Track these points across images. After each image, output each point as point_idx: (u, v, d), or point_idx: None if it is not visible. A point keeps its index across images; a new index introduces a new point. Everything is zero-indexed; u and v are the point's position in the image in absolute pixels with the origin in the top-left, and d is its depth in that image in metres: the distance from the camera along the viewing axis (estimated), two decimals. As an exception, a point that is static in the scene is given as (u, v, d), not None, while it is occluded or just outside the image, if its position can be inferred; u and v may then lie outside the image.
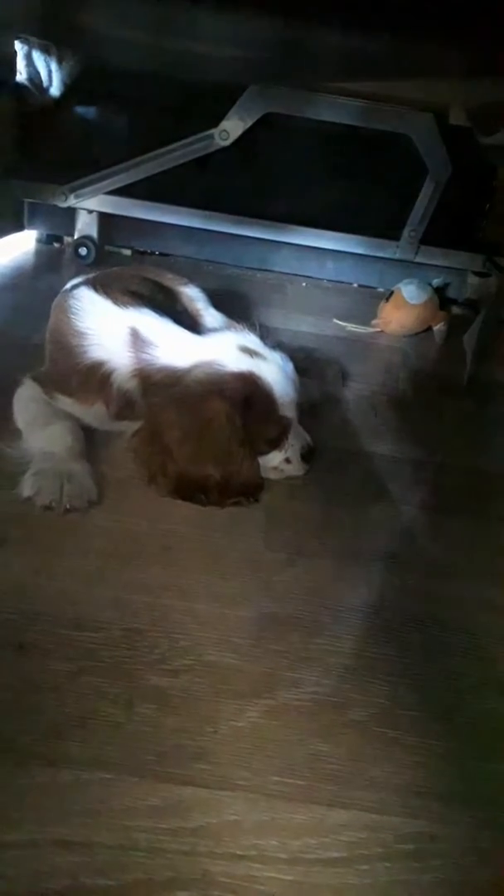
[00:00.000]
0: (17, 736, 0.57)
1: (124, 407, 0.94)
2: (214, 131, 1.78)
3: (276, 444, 0.96)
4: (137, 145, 1.81)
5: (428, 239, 1.89)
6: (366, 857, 0.53)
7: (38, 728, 0.58)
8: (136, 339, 0.93)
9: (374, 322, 1.75)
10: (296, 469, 0.99)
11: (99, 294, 0.97)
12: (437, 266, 1.93)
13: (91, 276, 1.12)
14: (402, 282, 1.77)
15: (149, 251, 2.06)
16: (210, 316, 1.29)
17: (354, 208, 1.92)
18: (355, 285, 2.09)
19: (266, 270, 2.06)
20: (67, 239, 1.98)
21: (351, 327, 1.74)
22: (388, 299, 1.75)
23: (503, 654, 0.76)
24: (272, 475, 0.98)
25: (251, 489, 0.93)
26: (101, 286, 0.99)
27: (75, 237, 1.90)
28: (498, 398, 1.44)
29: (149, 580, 0.76)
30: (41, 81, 1.76)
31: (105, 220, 1.90)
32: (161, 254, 2.05)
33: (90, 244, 1.86)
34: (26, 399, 0.97)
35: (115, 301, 0.96)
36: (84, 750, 0.57)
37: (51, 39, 1.70)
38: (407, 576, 0.85)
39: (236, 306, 1.52)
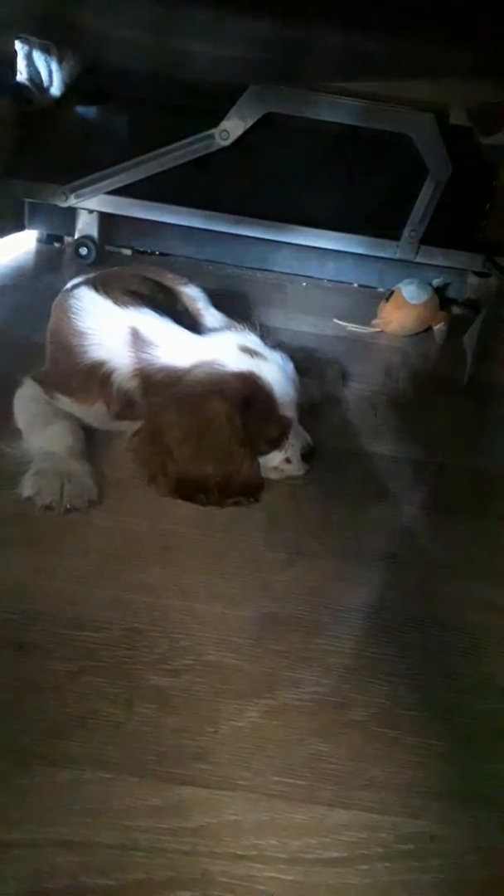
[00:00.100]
0: (17, 736, 0.57)
1: (125, 407, 0.94)
2: (215, 131, 1.78)
3: (276, 444, 0.96)
4: (138, 145, 1.81)
5: (428, 239, 1.89)
6: (366, 856, 0.53)
7: (39, 728, 0.58)
8: (137, 339, 0.93)
9: (374, 322, 1.75)
10: (296, 469, 0.99)
11: (99, 294, 0.97)
12: (437, 266, 1.93)
13: (91, 275, 1.12)
14: (402, 282, 1.76)
15: (149, 251, 2.06)
16: (210, 316, 1.29)
17: (355, 208, 1.92)
18: (355, 285, 2.09)
19: (266, 270, 2.06)
20: (68, 239, 1.98)
21: (351, 327, 1.74)
22: (388, 299, 1.75)
23: (503, 654, 0.76)
24: (272, 475, 0.98)
25: (251, 489, 0.93)
26: (102, 286, 0.99)
27: (76, 237, 1.90)
28: (498, 398, 1.44)
29: (149, 580, 0.76)
30: (42, 81, 1.76)
31: (105, 219, 1.90)
32: (161, 253, 2.05)
33: (90, 244, 1.86)
34: (27, 399, 0.97)
35: (116, 301, 0.96)
36: (84, 750, 0.57)
37: (51, 39, 1.70)
38: (407, 576, 0.85)
39: (236, 306, 1.52)
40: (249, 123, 1.77)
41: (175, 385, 0.90)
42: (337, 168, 1.92)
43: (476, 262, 1.91)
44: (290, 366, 0.96)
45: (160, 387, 0.91)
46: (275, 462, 0.98)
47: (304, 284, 2.06)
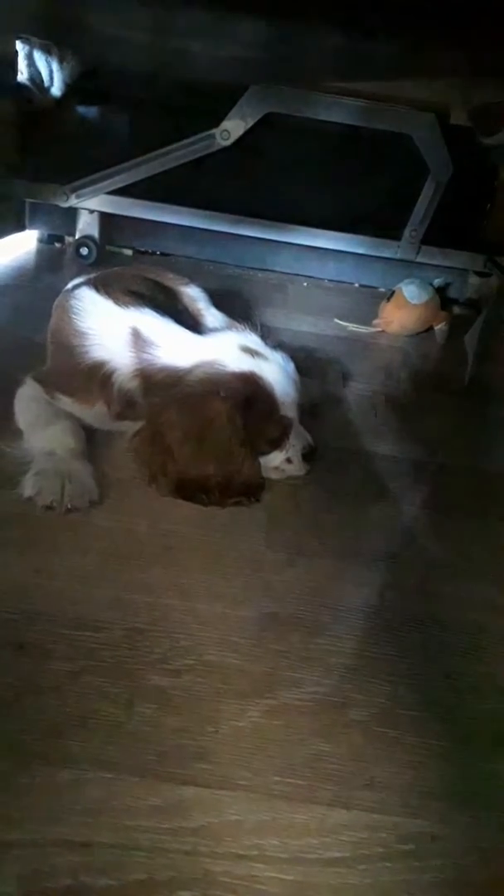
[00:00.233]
0: (17, 736, 0.57)
1: (125, 407, 0.94)
2: (215, 131, 1.78)
3: (277, 444, 0.97)
4: (139, 145, 1.81)
5: (429, 239, 1.89)
6: (366, 856, 0.53)
7: (39, 728, 0.58)
8: (138, 339, 0.93)
9: (375, 322, 1.75)
10: (297, 469, 0.99)
11: (100, 294, 0.97)
12: (438, 266, 1.93)
13: (92, 275, 1.12)
14: (403, 282, 1.77)
15: (150, 251, 2.06)
16: (211, 316, 1.29)
17: (356, 208, 1.92)
18: (356, 285, 2.09)
19: (267, 270, 2.06)
20: (69, 239, 1.98)
21: (352, 327, 1.74)
22: (389, 299, 1.75)
23: (503, 654, 0.76)
24: (273, 475, 0.98)
25: (252, 489, 0.93)
26: (103, 286, 0.99)
27: (76, 237, 1.90)
28: (499, 398, 1.44)
29: (150, 580, 0.76)
30: (42, 81, 1.76)
31: (106, 219, 1.90)
32: (162, 254, 2.05)
33: (91, 244, 1.87)
34: (27, 399, 0.97)
35: (117, 301, 0.96)
36: (85, 750, 0.57)
37: (52, 39, 1.71)
38: (407, 576, 0.85)
39: (237, 306, 1.52)
40: (250, 123, 1.77)
41: (176, 385, 0.90)
42: (338, 168, 1.92)
43: (477, 262, 1.91)
44: (291, 366, 0.96)
45: (161, 387, 0.91)
46: (276, 462, 0.98)
47: (305, 284, 2.06)
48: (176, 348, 0.93)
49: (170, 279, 1.29)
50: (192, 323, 1.14)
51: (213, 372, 0.90)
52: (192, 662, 0.67)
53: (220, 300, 1.37)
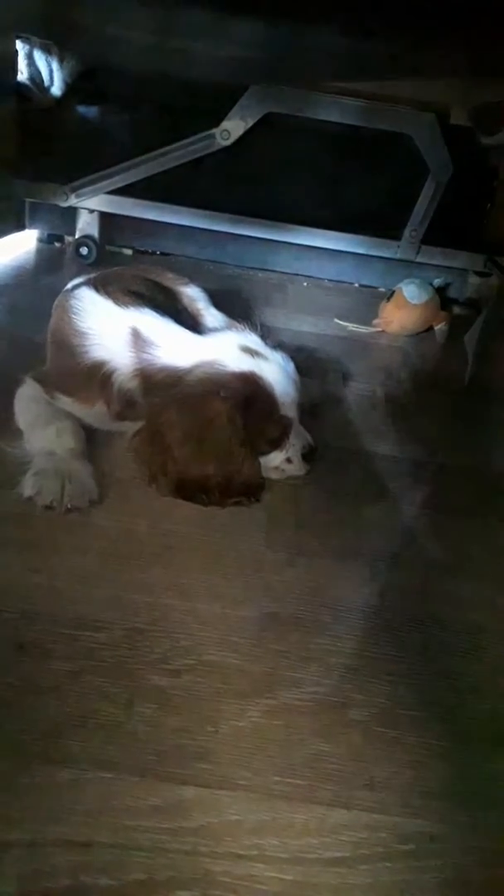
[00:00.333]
0: (17, 736, 0.57)
1: (125, 407, 0.94)
2: (216, 131, 1.78)
3: (277, 443, 0.97)
4: (139, 145, 1.81)
5: (429, 239, 1.89)
6: (366, 856, 0.53)
7: (39, 728, 0.58)
8: (138, 339, 0.93)
9: (375, 322, 1.75)
10: (297, 469, 0.99)
11: (100, 294, 0.97)
12: (438, 266, 1.93)
13: (92, 275, 1.12)
14: (403, 282, 1.77)
15: (150, 251, 2.06)
16: (211, 316, 1.29)
17: (355, 208, 1.92)
18: (356, 285, 2.09)
19: (267, 270, 2.06)
20: (68, 238, 1.98)
21: (352, 327, 1.74)
22: (389, 299, 1.75)
23: (503, 653, 0.76)
24: (273, 475, 0.98)
25: (252, 489, 0.93)
26: (102, 286, 0.99)
27: (76, 237, 1.90)
28: (499, 398, 1.44)
29: (150, 580, 0.76)
30: (42, 81, 1.76)
31: (106, 219, 1.90)
32: (162, 253, 2.05)
33: (91, 244, 1.87)
34: (27, 399, 0.97)
35: (117, 301, 0.96)
36: (85, 749, 0.57)
37: (52, 39, 1.70)
38: (407, 576, 0.85)
39: (237, 306, 1.52)
40: (250, 123, 1.77)
41: (176, 385, 0.90)
42: (338, 168, 1.93)
43: (477, 262, 1.91)
44: (291, 366, 0.96)
45: (161, 387, 0.91)
46: (276, 462, 0.98)
47: (305, 284, 2.06)
48: (176, 348, 0.93)
49: (170, 279, 1.29)
50: (191, 323, 1.14)
51: (213, 372, 0.90)
52: (192, 662, 0.67)
53: (220, 300, 1.37)
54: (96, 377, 0.93)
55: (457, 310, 1.92)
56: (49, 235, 2.03)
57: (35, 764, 0.55)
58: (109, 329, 0.94)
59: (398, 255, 1.91)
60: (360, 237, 1.91)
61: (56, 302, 1.06)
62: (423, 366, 1.61)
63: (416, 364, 1.61)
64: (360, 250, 1.94)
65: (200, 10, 1.36)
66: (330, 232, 1.90)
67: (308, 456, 0.99)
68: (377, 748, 0.62)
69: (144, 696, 0.63)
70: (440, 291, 1.79)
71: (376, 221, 1.91)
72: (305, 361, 1.23)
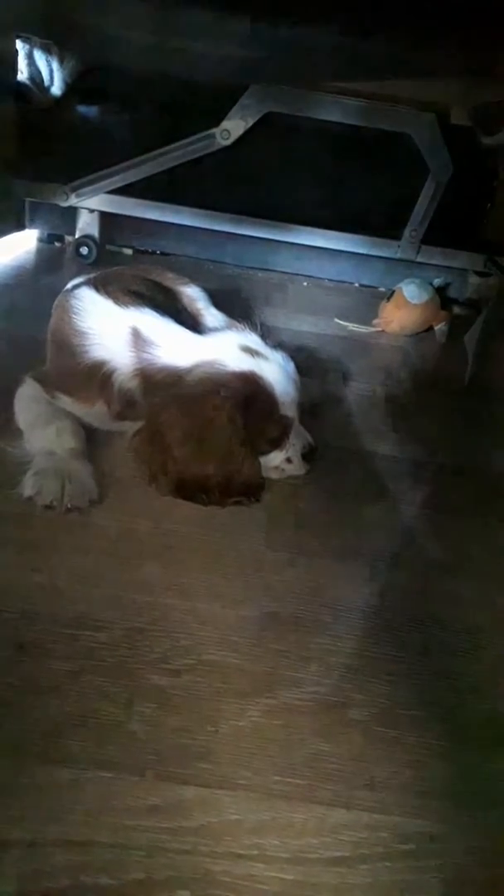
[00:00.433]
0: (17, 735, 0.57)
1: (125, 406, 0.94)
2: (216, 131, 1.78)
3: (277, 443, 0.96)
4: (139, 145, 1.81)
5: (429, 239, 1.89)
6: (366, 856, 0.53)
7: (39, 727, 0.58)
8: (138, 339, 0.93)
9: (375, 322, 1.75)
10: (297, 469, 0.99)
11: (100, 294, 0.97)
12: (438, 266, 1.93)
13: (92, 275, 1.12)
14: (403, 281, 1.77)
15: (150, 250, 2.06)
16: (211, 315, 1.29)
17: (356, 208, 1.92)
18: (356, 285, 2.09)
19: (267, 270, 2.06)
20: (69, 238, 1.98)
21: (352, 327, 1.74)
22: (389, 299, 1.75)
23: (503, 654, 0.76)
24: (273, 475, 0.98)
25: (252, 489, 0.93)
26: (103, 286, 0.99)
27: (76, 236, 1.90)
28: (499, 398, 1.44)
29: (150, 579, 0.76)
30: (42, 81, 1.76)
31: (106, 219, 1.90)
32: (162, 253, 2.05)
33: (91, 243, 1.87)
34: (27, 398, 0.97)
35: (117, 301, 0.96)
36: (85, 749, 0.57)
37: (52, 39, 1.70)
38: (407, 576, 0.85)
39: (237, 306, 1.52)
40: (250, 123, 1.77)
41: (176, 385, 0.90)
42: (338, 168, 1.93)
43: (477, 262, 1.91)
44: (291, 365, 0.96)
45: (161, 387, 0.91)
46: (276, 462, 0.98)
47: (305, 284, 2.06)
48: (176, 348, 0.93)
49: (170, 279, 1.29)
50: (191, 323, 1.14)
51: (213, 372, 0.90)
52: (192, 662, 0.67)
53: (220, 300, 1.37)
54: (96, 377, 0.93)
55: (457, 310, 1.92)
56: (49, 235, 2.03)
57: (35, 764, 0.55)
58: (109, 329, 0.94)
59: (398, 255, 1.91)
60: (361, 237, 1.91)
61: (56, 302, 1.06)
62: (423, 366, 1.61)
63: (416, 364, 1.61)
64: (361, 250, 1.94)
65: (200, 10, 1.36)
66: (330, 232, 1.90)
67: (308, 456, 0.99)
68: (377, 748, 0.62)
69: (144, 695, 0.63)
70: (440, 291, 1.80)
71: (376, 221, 1.91)
72: (305, 361, 1.23)
